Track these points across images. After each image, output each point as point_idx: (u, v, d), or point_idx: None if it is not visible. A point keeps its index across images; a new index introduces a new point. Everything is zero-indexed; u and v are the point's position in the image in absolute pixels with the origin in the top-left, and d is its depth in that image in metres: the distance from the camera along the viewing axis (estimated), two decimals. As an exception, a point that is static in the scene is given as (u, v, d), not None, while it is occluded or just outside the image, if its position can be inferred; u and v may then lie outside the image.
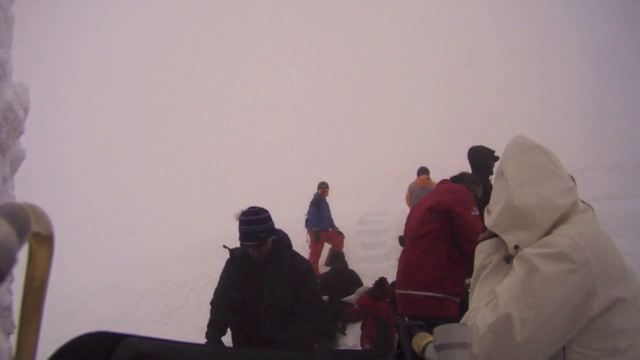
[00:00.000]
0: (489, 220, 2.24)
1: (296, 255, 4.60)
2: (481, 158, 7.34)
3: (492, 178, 7.14)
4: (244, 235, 4.26)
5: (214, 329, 4.47)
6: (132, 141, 26.51)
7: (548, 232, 2.05)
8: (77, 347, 0.85)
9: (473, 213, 4.65)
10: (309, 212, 12.24)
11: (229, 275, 4.58)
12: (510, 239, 2.12)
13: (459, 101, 25.41)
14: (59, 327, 4.24)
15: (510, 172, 2.20)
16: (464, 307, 4.69)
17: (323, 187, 12.68)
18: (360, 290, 8.72)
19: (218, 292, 4.68)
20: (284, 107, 28.39)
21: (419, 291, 4.65)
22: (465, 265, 4.63)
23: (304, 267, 4.47)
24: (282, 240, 4.49)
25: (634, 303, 1.93)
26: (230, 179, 22.43)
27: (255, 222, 4.22)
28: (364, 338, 8.05)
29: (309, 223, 12.14)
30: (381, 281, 8.21)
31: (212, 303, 4.68)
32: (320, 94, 28.66)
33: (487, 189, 7.22)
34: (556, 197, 2.07)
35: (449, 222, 4.72)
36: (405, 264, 4.94)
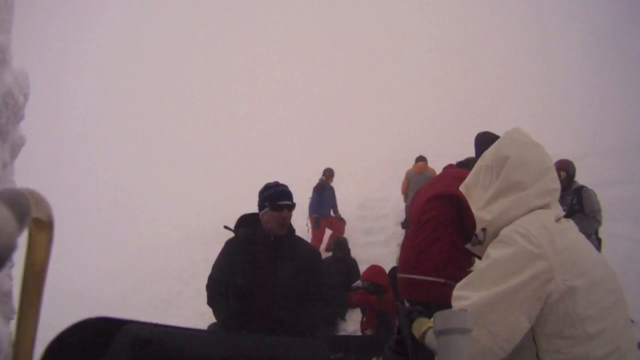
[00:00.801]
0: (483, 213, 2.34)
1: (305, 241, 4.60)
2: (487, 144, 7.30)
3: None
4: (280, 194, 4.26)
5: (235, 322, 4.13)
6: (132, 126, 26.47)
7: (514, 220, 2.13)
8: (77, 333, 0.85)
9: None
10: (311, 198, 12.24)
11: (231, 260, 4.33)
12: (480, 219, 2.31)
13: (459, 87, 25.36)
14: (59, 312, 4.25)
15: (519, 152, 2.29)
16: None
17: (327, 174, 12.68)
18: (356, 284, 8.64)
19: (216, 279, 4.43)
20: (284, 93, 28.33)
21: (421, 275, 4.63)
22: (468, 251, 4.60)
23: (315, 253, 4.47)
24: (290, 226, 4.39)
25: (596, 289, 1.97)
26: (229, 165, 22.42)
27: (285, 187, 4.36)
28: (364, 324, 8.08)
29: (309, 209, 12.15)
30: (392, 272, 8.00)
31: (214, 292, 4.41)
32: (320, 79, 28.59)
33: None
34: (534, 197, 2.17)
35: (456, 209, 4.68)
36: (408, 248, 4.92)
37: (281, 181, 4.48)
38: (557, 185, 2.29)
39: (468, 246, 2.47)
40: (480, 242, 2.30)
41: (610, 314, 1.98)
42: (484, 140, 7.33)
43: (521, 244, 1.97)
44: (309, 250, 4.39)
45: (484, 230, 2.26)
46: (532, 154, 2.29)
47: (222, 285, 4.31)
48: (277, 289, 4.06)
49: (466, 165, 5.31)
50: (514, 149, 2.32)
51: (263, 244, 4.25)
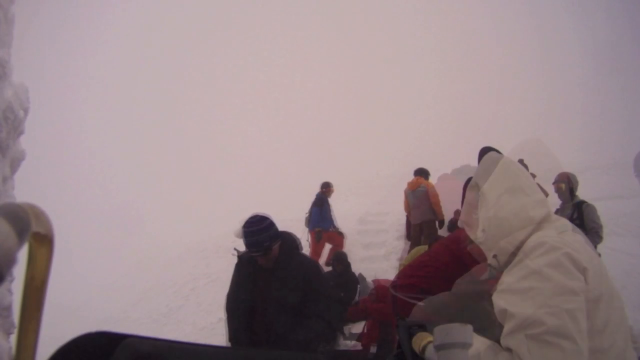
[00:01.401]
0: (473, 235, 2.32)
1: (304, 257, 4.63)
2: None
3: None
4: (248, 246, 4.29)
5: (237, 341, 4.41)
6: (132, 142, 26.53)
7: (523, 242, 2.09)
8: (77, 347, 0.85)
9: None
10: (312, 212, 12.20)
11: (238, 279, 4.58)
12: (488, 248, 2.23)
13: (460, 102, 25.47)
14: (59, 326, 4.24)
15: (488, 186, 2.28)
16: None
17: (326, 187, 12.67)
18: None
19: (229, 297, 4.63)
20: (286, 109, 28.43)
21: (405, 296, 4.62)
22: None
23: (314, 268, 4.49)
24: (290, 242, 4.50)
25: (611, 302, 1.94)
26: (230, 180, 22.44)
27: (257, 233, 4.24)
28: (364, 337, 8.03)
29: (310, 223, 12.11)
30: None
31: (227, 310, 4.61)
32: (322, 95, 28.69)
33: None
34: (530, 209, 2.16)
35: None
36: (408, 274, 4.91)
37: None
38: (542, 195, 2.27)
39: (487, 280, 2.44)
40: (497, 269, 2.21)
41: (619, 330, 1.95)
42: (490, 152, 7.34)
43: (556, 246, 1.94)
44: (305, 265, 4.43)
45: (495, 257, 2.19)
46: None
47: (234, 304, 4.53)
48: (272, 305, 4.21)
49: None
50: (487, 184, 2.32)
51: (259, 263, 4.39)
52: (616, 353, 1.92)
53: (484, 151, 6.72)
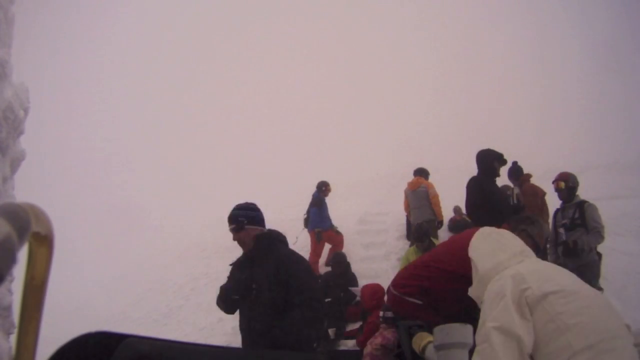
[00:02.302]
0: (471, 291, 3.04)
1: (287, 251, 4.69)
2: (487, 159, 7.27)
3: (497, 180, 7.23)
4: (228, 220, 4.55)
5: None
6: (132, 142, 26.50)
7: None
8: (78, 347, 0.85)
9: None
10: (311, 212, 12.14)
11: (231, 280, 4.71)
12: (477, 297, 2.94)
13: (460, 101, 25.41)
14: (59, 326, 4.24)
15: (476, 252, 3.13)
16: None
17: (324, 187, 12.61)
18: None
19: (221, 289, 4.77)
20: (284, 107, 28.37)
21: (404, 295, 4.62)
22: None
23: (294, 261, 4.52)
24: (273, 236, 4.62)
25: (570, 294, 2.45)
26: (229, 179, 22.41)
27: (237, 209, 4.58)
28: (361, 341, 7.97)
29: (310, 223, 12.06)
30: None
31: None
32: (320, 93, 28.63)
33: (491, 188, 7.16)
34: (506, 260, 2.87)
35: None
36: (410, 273, 4.89)
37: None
38: (519, 249, 3.07)
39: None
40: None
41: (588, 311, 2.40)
42: (483, 156, 7.32)
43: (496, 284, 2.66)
44: (285, 259, 4.47)
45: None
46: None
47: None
48: (253, 299, 4.33)
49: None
50: (474, 253, 3.22)
51: (245, 259, 4.65)
52: (583, 328, 2.31)
53: (480, 153, 6.63)
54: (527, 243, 4.88)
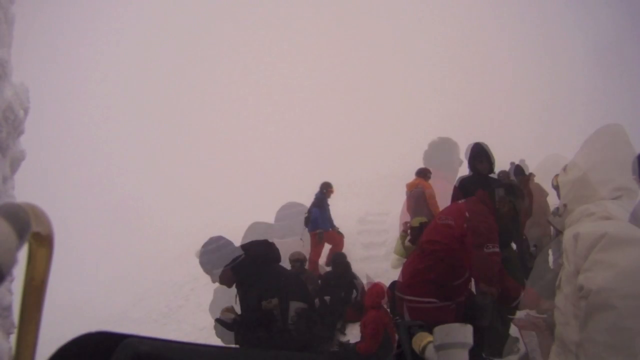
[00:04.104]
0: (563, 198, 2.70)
1: (279, 269, 4.61)
2: (471, 160, 7.08)
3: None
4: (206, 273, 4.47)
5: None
6: (132, 142, 26.52)
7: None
8: (77, 347, 0.85)
9: (487, 250, 4.50)
10: (312, 213, 12.10)
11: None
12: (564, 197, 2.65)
13: (462, 101, 25.39)
14: (59, 326, 4.24)
15: (594, 151, 2.61)
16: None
17: (327, 188, 12.58)
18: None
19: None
20: (285, 108, 28.38)
21: (416, 297, 4.60)
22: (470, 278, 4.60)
23: (288, 279, 4.48)
24: (251, 260, 4.41)
25: None
26: (230, 179, 22.43)
27: (201, 255, 4.42)
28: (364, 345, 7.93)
29: (311, 224, 12.02)
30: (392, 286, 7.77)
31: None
32: (321, 93, 28.64)
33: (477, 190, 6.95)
34: (613, 190, 2.46)
35: (461, 245, 4.64)
36: (409, 272, 4.89)
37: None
38: (630, 184, 2.52)
39: (550, 218, 2.85)
40: (559, 215, 2.61)
41: None
42: (470, 158, 7.17)
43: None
44: (279, 276, 4.43)
45: (535, 247, 2.57)
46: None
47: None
48: (244, 316, 4.29)
49: (485, 185, 5.29)
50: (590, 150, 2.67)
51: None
52: None
53: (475, 147, 6.56)
54: (509, 214, 4.92)
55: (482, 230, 4.54)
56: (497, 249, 4.45)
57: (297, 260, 9.28)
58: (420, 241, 5.05)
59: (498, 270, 4.38)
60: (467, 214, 4.66)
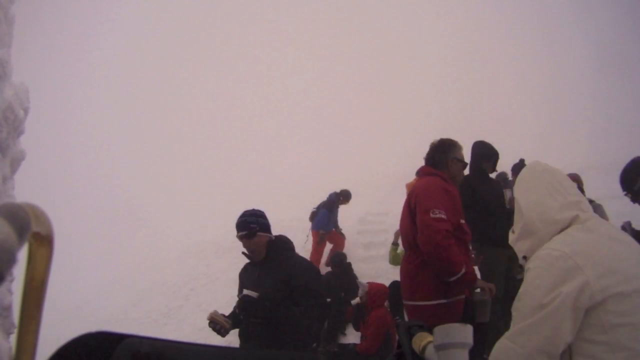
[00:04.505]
0: (511, 239, 2.63)
1: (297, 257, 4.72)
2: (475, 158, 7.03)
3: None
4: (236, 227, 4.53)
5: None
6: (131, 141, 26.50)
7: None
8: (77, 347, 0.85)
9: (434, 215, 4.46)
10: (320, 212, 12.11)
11: (241, 279, 4.77)
12: (519, 250, 2.55)
13: (462, 101, 25.36)
14: (59, 326, 4.24)
15: (521, 192, 2.58)
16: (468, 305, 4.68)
17: (344, 197, 12.60)
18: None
19: None
20: (285, 107, 28.36)
21: (422, 301, 4.61)
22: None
23: (301, 265, 4.57)
24: (282, 243, 4.64)
25: (633, 299, 2.09)
26: (230, 179, 22.42)
27: (246, 215, 4.52)
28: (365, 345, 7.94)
29: (315, 222, 12.04)
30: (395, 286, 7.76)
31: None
32: (321, 93, 28.63)
33: (482, 188, 6.91)
34: (556, 212, 2.40)
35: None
36: (404, 275, 4.91)
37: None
38: (574, 198, 2.48)
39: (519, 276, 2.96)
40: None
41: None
42: (473, 155, 7.15)
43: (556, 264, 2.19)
44: (291, 263, 4.52)
45: (525, 258, 2.53)
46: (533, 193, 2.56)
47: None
48: (260, 304, 4.26)
49: (436, 163, 5.22)
50: (518, 192, 2.64)
51: (254, 264, 4.65)
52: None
53: (472, 149, 6.56)
54: (459, 173, 5.01)
55: (424, 196, 4.60)
56: (443, 216, 4.46)
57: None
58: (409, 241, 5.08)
59: (444, 238, 4.37)
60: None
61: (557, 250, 2.22)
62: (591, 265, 2.13)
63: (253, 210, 4.59)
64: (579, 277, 2.10)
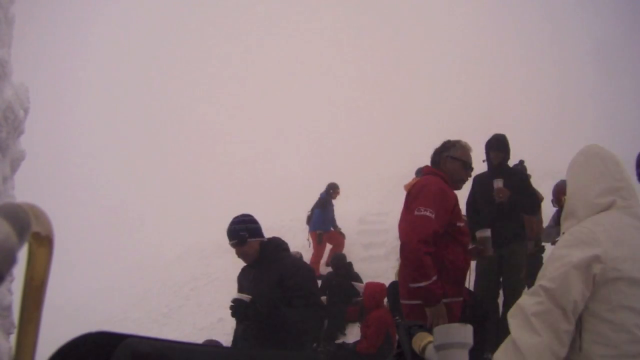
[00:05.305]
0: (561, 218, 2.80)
1: (290, 257, 4.78)
2: (500, 147, 6.90)
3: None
4: (227, 236, 4.54)
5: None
6: (131, 142, 26.49)
7: None
8: (77, 347, 0.85)
9: (418, 213, 4.33)
10: (314, 213, 12.13)
11: (239, 286, 4.76)
12: (563, 229, 2.70)
13: (463, 100, 25.35)
14: (59, 327, 4.24)
15: (571, 175, 2.77)
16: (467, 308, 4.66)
17: (333, 189, 12.60)
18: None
19: None
20: (285, 107, 28.34)
21: (419, 300, 4.57)
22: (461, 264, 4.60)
23: (293, 266, 4.57)
24: (276, 244, 4.65)
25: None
26: (230, 180, 22.42)
27: (235, 223, 4.52)
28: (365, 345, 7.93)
29: (312, 224, 12.05)
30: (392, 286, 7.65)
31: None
32: (321, 93, 28.61)
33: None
34: (595, 196, 2.54)
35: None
36: (401, 274, 4.90)
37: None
38: (618, 184, 2.58)
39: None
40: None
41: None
42: (493, 143, 7.11)
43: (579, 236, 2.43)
44: (283, 264, 4.52)
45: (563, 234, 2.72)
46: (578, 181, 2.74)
47: None
48: (250, 307, 4.25)
49: (436, 162, 5.17)
50: (569, 174, 2.85)
51: (250, 266, 4.66)
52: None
53: (494, 138, 6.40)
54: (457, 168, 5.02)
55: (415, 193, 4.58)
56: (428, 214, 4.31)
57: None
58: None
59: (419, 242, 4.21)
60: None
61: (585, 227, 2.43)
62: (611, 243, 2.30)
63: (242, 216, 4.62)
64: (595, 248, 2.28)
